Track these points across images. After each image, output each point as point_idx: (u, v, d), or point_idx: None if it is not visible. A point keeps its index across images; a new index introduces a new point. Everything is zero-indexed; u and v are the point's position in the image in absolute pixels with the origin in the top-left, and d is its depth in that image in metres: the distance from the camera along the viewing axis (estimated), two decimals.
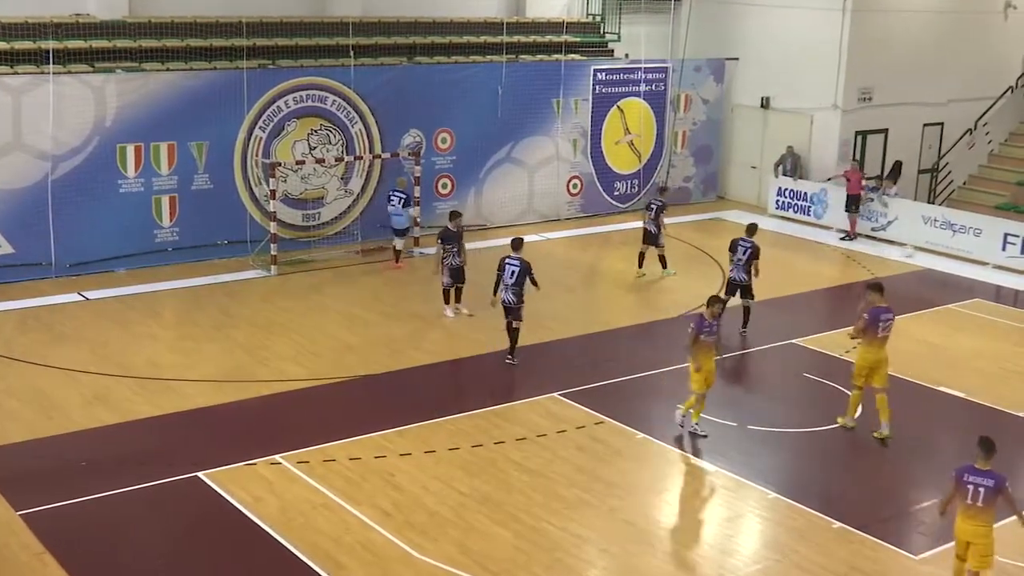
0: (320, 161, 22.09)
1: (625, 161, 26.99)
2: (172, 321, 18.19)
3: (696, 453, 13.72)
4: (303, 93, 21.94)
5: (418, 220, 22.15)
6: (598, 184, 26.56)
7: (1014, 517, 10.23)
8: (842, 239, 25.20)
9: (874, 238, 25.11)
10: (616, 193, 26.94)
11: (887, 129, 27.35)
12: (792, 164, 26.87)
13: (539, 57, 25.98)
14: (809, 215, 26.52)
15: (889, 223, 25.01)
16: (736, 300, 17.85)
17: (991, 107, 28.28)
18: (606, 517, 12.03)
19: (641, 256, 21.27)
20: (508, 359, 16.45)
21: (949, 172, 28.23)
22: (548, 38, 26.46)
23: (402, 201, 21.36)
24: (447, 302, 18.45)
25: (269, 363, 16.18)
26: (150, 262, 20.60)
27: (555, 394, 15.25)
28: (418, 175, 22.35)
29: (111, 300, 18.79)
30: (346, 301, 19.26)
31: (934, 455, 13.87)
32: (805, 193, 26.62)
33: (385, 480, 12.56)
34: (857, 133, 26.95)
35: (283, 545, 11.11)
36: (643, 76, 26.81)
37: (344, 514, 11.76)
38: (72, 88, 19.56)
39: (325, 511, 11.80)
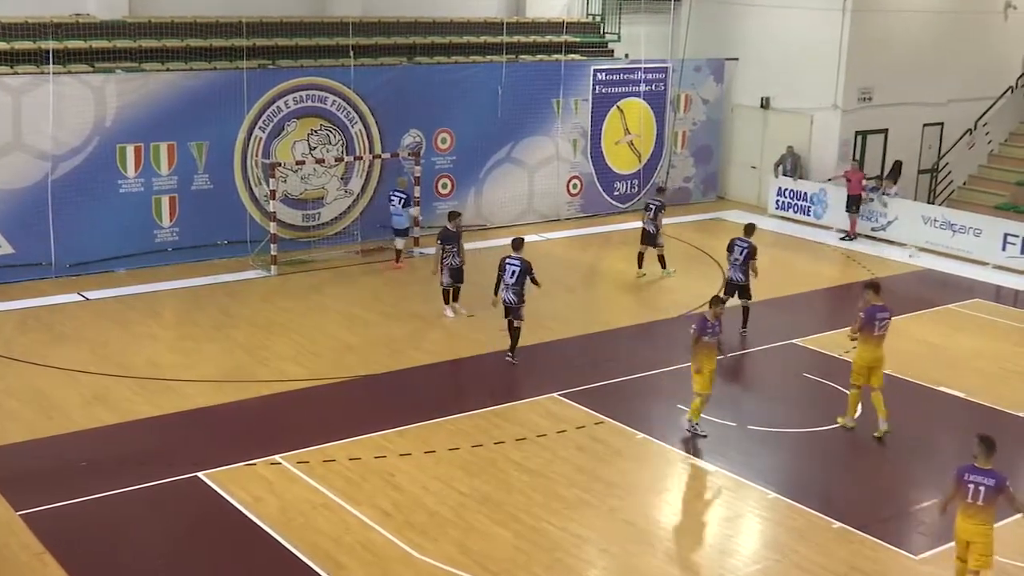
0: (320, 161, 22.10)
1: (625, 161, 26.99)
2: (172, 321, 18.19)
3: (696, 453, 13.71)
4: (303, 93, 21.94)
5: (419, 220, 22.15)
6: (598, 184, 26.56)
7: (1015, 516, 10.23)
8: (842, 239, 25.20)
9: (874, 238, 25.11)
10: (616, 193, 26.94)
11: (887, 129, 27.36)
12: (792, 164, 26.88)
13: (539, 57, 25.98)
14: (809, 215, 26.53)
15: (889, 223, 25.01)
16: (735, 300, 17.86)
17: (991, 107, 28.28)
18: (606, 517, 12.03)
19: (640, 256, 21.28)
20: (508, 357, 16.46)
21: (949, 172, 28.23)
22: (548, 38, 26.47)
23: (402, 201, 21.37)
24: (447, 302, 18.45)
25: (269, 363, 16.18)
26: (150, 262, 20.60)
27: (555, 394, 15.25)
28: (418, 175, 22.35)
29: (111, 300, 18.79)
30: (346, 301, 19.27)
31: (934, 455, 13.87)
32: (805, 193, 26.62)
33: (385, 480, 12.57)
34: (857, 133, 26.96)
35: (283, 545, 11.11)
36: (643, 76, 26.82)
37: (344, 514, 11.76)
38: (72, 88, 19.57)
39: (325, 511, 11.80)
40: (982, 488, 9.98)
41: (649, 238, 21.08)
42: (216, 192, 21.15)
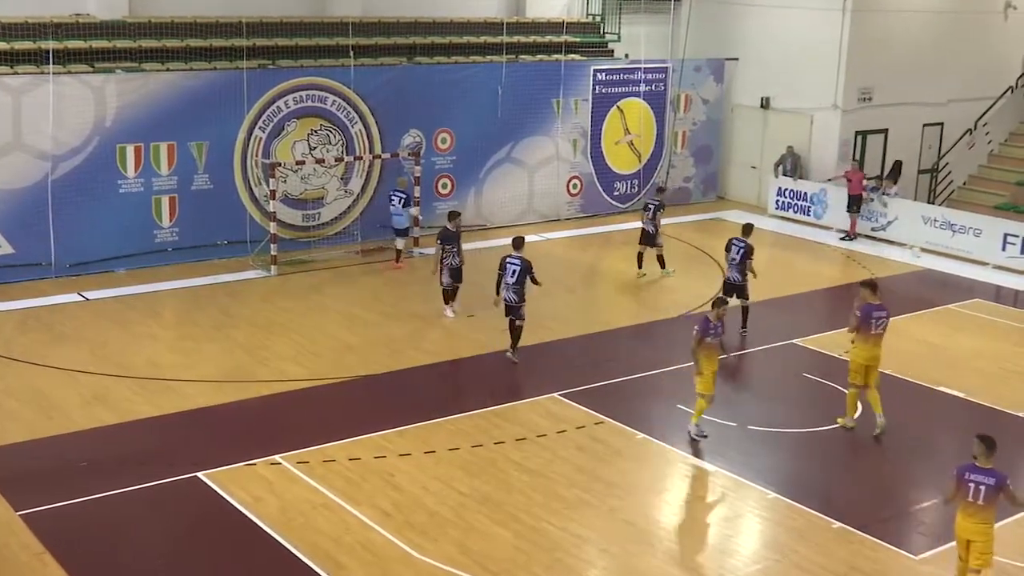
0: (320, 161, 22.10)
1: (625, 161, 26.99)
2: (172, 321, 18.18)
3: (696, 453, 13.71)
4: (303, 93, 21.94)
5: (419, 220, 22.15)
6: (598, 184, 26.56)
7: (1016, 516, 10.23)
8: (842, 239, 25.20)
9: (874, 238, 25.11)
10: (616, 193, 26.94)
11: (887, 129, 27.36)
12: (792, 164, 26.88)
13: (539, 57, 25.98)
14: (809, 215, 26.53)
15: (889, 223, 25.02)
16: (735, 300, 17.85)
17: (991, 107, 28.28)
18: (606, 517, 12.03)
19: (640, 256, 21.28)
20: (509, 354, 16.47)
21: (949, 172, 28.23)
22: (548, 38, 26.47)
23: (402, 201, 21.38)
24: (447, 302, 18.45)
25: (269, 363, 16.18)
26: (150, 262, 20.60)
27: (555, 394, 15.25)
28: (418, 175, 22.35)
29: (111, 300, 18.79)
30: (346, 301, 19.27)
31: (934, 455, 13.87)
32: (805, 193, 26.62)
33: (385, 480, 12.56)
34: (857, 133, 26.96)
35: (283, 545, 11.11)
36: (643, 76, 26.82)
37: (344, 514, 11.76)
38: (72, 88, 19.56)
39: (325, 511, 11.80)
40: (983, 487, 9.99)
41: (648, 238, 21.09)
42: (216, 192, 21.15)
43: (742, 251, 17.78)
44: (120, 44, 20.84)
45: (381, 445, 13.44)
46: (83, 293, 19.06)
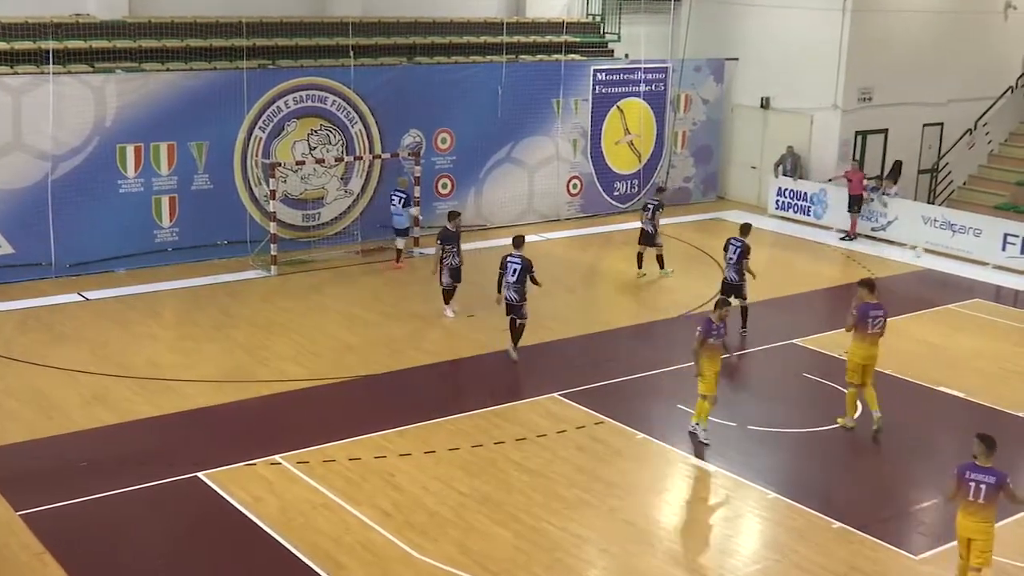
0: (320, 161, 22.10)
1: (625, 161, 26.99)
2: (172, 321, 18.18)
3: (696, 453, 13.71)
4: (303, 93, 21.94)
5: (419, 220, 22.15)
6: (598, 184, 26.56)
7: (1016, 516, 10.24)
8: (842, 239, 25.21)
9: (874, 238, 25.12)
10: (616, 193, 26.94)
11: (887, 129, 27.36)
12: (792, 164, 26.88)
13: (539, 57, 25.98)
14: (809, 215, 26.53)
15: (889, 223, 25.02)
16: (734, 300, 17.83)
17: (991, 107, 28.28)
18: (606, 517, 12.03)
19: (639, 256, 21.28)
20: (511, 350, 16.49)
21: (949, 172, 28.23)
22: (548, 38, 26.47)
23: (402, 201, 21.38)
24: (447, 302, 18.44)
25: (269, 363, 16.18)
26: (150, 262, 20.60)
27: (555, 394, 15.24)
28: (418, 175, 22.35)
29: (111, 300, 18.79)
30: (346, 301, 19.26)
31: (934, 455, 13.87)
32: (805, 193, 26.62)
33: (385, 480, 12.56)
34: (857, 133, 26.96)
35: (283, 545, 11.11)
36: (643, 76, 26.82)
37: (344, 514, 11.76)
38: (72, 88, 19.56)
39: (325, 511, 11.80)
40: (983, 486, 10.00)
41: (647, 238, 21.09)
42: (216, 192, 21.15)
43: (739, 250, 17.77)
44: (120, 44, 20.84)
45: (381, 445, 13.45)
46: (83, 293, 19.07)
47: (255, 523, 11.51)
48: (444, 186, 24.15)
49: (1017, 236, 22.89)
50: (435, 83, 23.65)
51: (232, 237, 21.41)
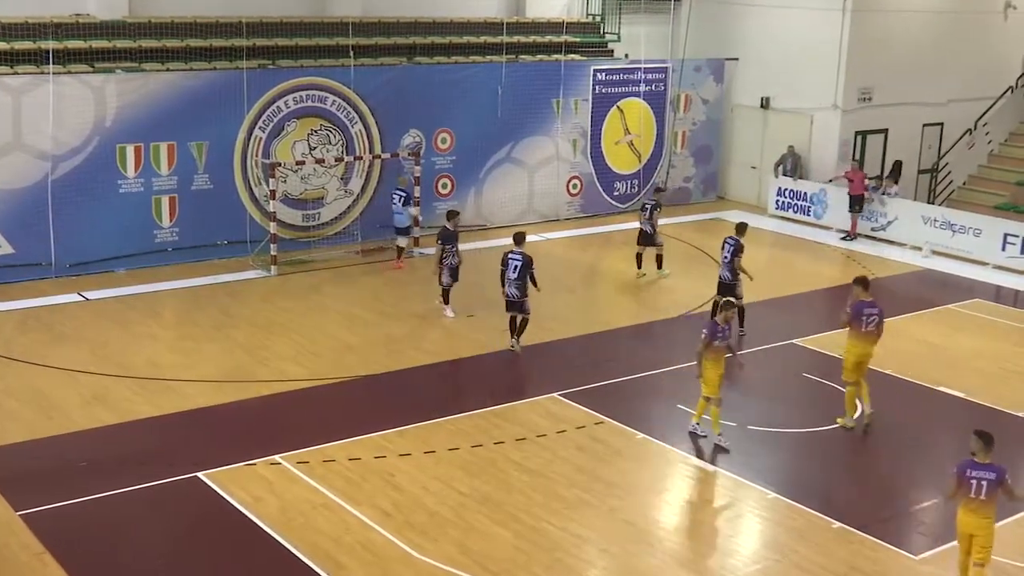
0: (320, 161, 22.10)
1: (625, 161, 27.00)
2: (172, 321, 18.19)
3: (696, 453, 13.71)
4: (303, 93, 21.94)
5: (419, 220, 22.14)
6: (598, 184, 26.57)
7: (1016, 516, 10.24)
8: (843, 239, 25.21)
9: (874, 238, 25.12)
10: (616, 193, 26.94)
11: (887, 129, 27.36)
12: (792, 164, 26.89)
13: (539, 57, 25.99)
14: (809, 215, 26.53)
15: (889, 223, 25.02)
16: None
17: (991, 107, 28.28)
18: (606, 517, 12.03)
19: (639, 257, 21.27)
20: (513, 345, 16.52)
21: (949, 172, 28.23)
22: (548, 38, 26.47)
23: (403, 199, 21.39)
24: (447, 302, 18.45)
25: (269, 363, 16.18)
26: (150, 262, 20.60)
27: (555, 394, 15.24)
28: (418, 175, 22.35)
29: (111, 300, 18.79)
30: (346, 301, 19.27)
31: (934, 455, 13.86)
32: (805, 193, 26.63)
33: (385, 480, 12.56)
34: (857, 133, 26.96)
35: (283, 545, 11.11)
36: (643, 76, 26.82)
37: (344, 514, 11.76)
38: (72, 88, 19.56)
39: (325, 511, 11.80)
40: (984, 482, 10.02)
41: (646, 238, 21.09)
42: (216, 192, 21.15)
43: (732, 248, 17.76)
44: (120, 44, 20.84)
45: (381, 445, 13.45)
46: (83, 293, 19.07)
47: (255, 523, 11.51)
48: (444, 186, 24.16)
49: (1017, 236, 22.89)
50: (435, 83, 23.65)
51: (232, 237, 21.41)
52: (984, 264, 23.06)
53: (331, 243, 22.50)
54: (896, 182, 25.63)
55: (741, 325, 17.96)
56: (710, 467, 13.35)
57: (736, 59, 28.24)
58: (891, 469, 13.63)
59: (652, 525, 12.04)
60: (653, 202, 21.14)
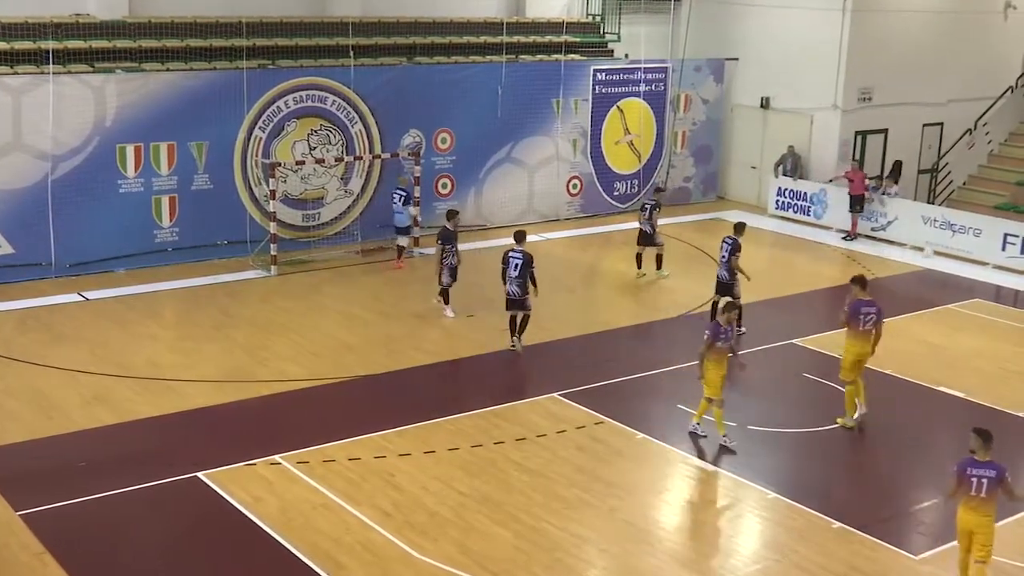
0: (320, 161, 22.10)
1: (625, 161, 27.00)
2: (172, 321, 18.19)
3: (696, 453, 13.71)
4: (303, 93, 21.94)
5: (419, 220, 22.14)
6: (598, 184, 26.57)
7: (1016, 516, 10.24)
8: (843, 239, 25.21)
9: (874, 238, 25.12)
10: (616, 193, 26.94)
11: (887, 129, 27.36)
12: (792, 164, 26.89)
13: (539, 57, 25.98)
14: (809, 215, 26.53)
15: (889, 223, 25.02)
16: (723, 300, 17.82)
17: (991, 107, 28.27)
18: (606, 517, 12.03)
19: (639, 257, 21.27)
20: (514, 344, 16.54)
21: (949, 172, 28.23)
22: (548, 38, 26.47)
23: (403, 199, 21.39)
24: (447, 302, 18.45)
25: (269, 363, 16.18)
26: (150, 262, 20.60)
27: (555, 394, 15.24)
28: (418, 175, 22.35)
29: (111, 300, 18.79)
30: (346, 301, 19.26)
31: (934, 455, 13.86)
32: (805, 193, 26.62)
33: (385, 480, 12.56)
34: (857, 133, 26.96)
35: (283, 545, 11.11)
36: (643, 76, 26.82)
37: (344, 514, 11.76)
38: (72, 88, 19.56)
39: (325, 511, 11.80)
40: (985, 480, 10.03)
41: (646, 238, 21.09)
42: (216, 192, 21.15)
43: (729, 248, 17.75)
44: (120, 44, 20.84)
45: (381, 445, 13.44)
46: (83, 293, 19.06)
47: (255, 523, 11.51)
48: (444, 186, 24.16)
49: (1017, 236, 22.89)
50: (435, 83, 23.65)
51: (232, 237, 21.41)
52: (984, 264, 23.06)
53: (331, 243, 22.50)
54: (896, 182, 25.63)
55: (740, 324, 17.94)
56: (710, 467, 13.35)
57: (736, 59, 28.24)
58: (891, 469, 13.64)
59: (652, 525, 12.04)
60: (653, 202, 21.14)
